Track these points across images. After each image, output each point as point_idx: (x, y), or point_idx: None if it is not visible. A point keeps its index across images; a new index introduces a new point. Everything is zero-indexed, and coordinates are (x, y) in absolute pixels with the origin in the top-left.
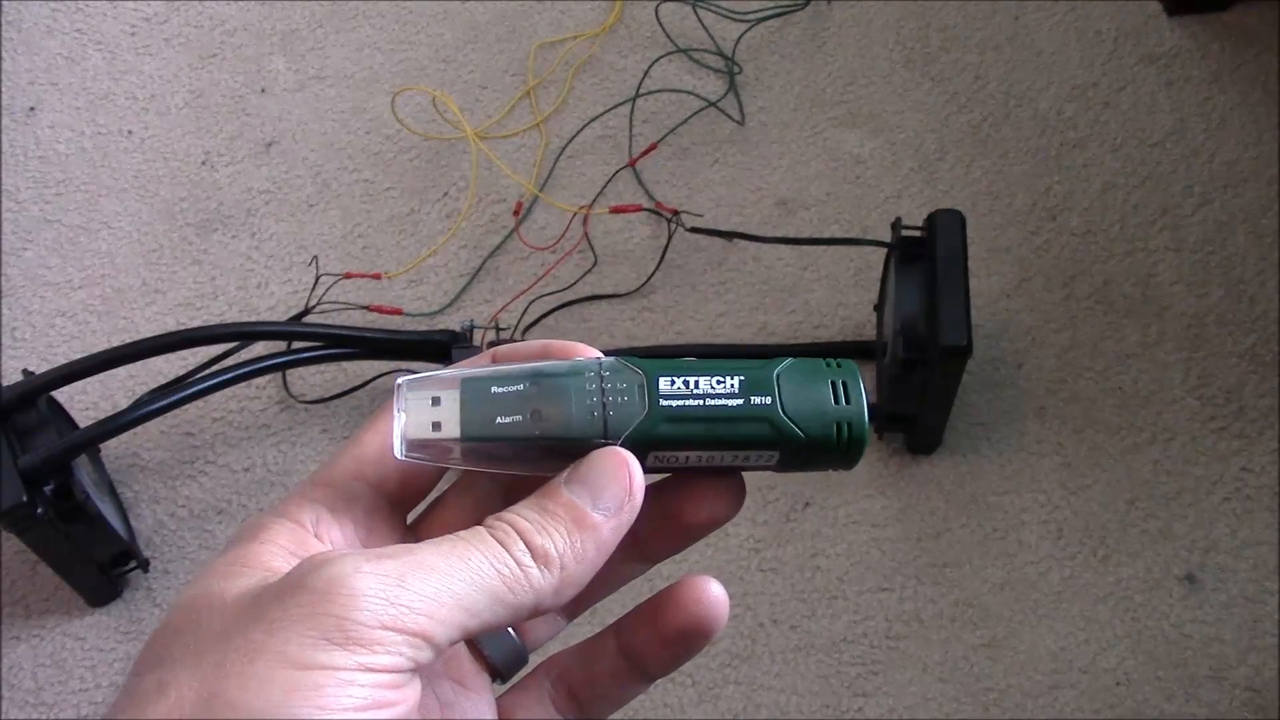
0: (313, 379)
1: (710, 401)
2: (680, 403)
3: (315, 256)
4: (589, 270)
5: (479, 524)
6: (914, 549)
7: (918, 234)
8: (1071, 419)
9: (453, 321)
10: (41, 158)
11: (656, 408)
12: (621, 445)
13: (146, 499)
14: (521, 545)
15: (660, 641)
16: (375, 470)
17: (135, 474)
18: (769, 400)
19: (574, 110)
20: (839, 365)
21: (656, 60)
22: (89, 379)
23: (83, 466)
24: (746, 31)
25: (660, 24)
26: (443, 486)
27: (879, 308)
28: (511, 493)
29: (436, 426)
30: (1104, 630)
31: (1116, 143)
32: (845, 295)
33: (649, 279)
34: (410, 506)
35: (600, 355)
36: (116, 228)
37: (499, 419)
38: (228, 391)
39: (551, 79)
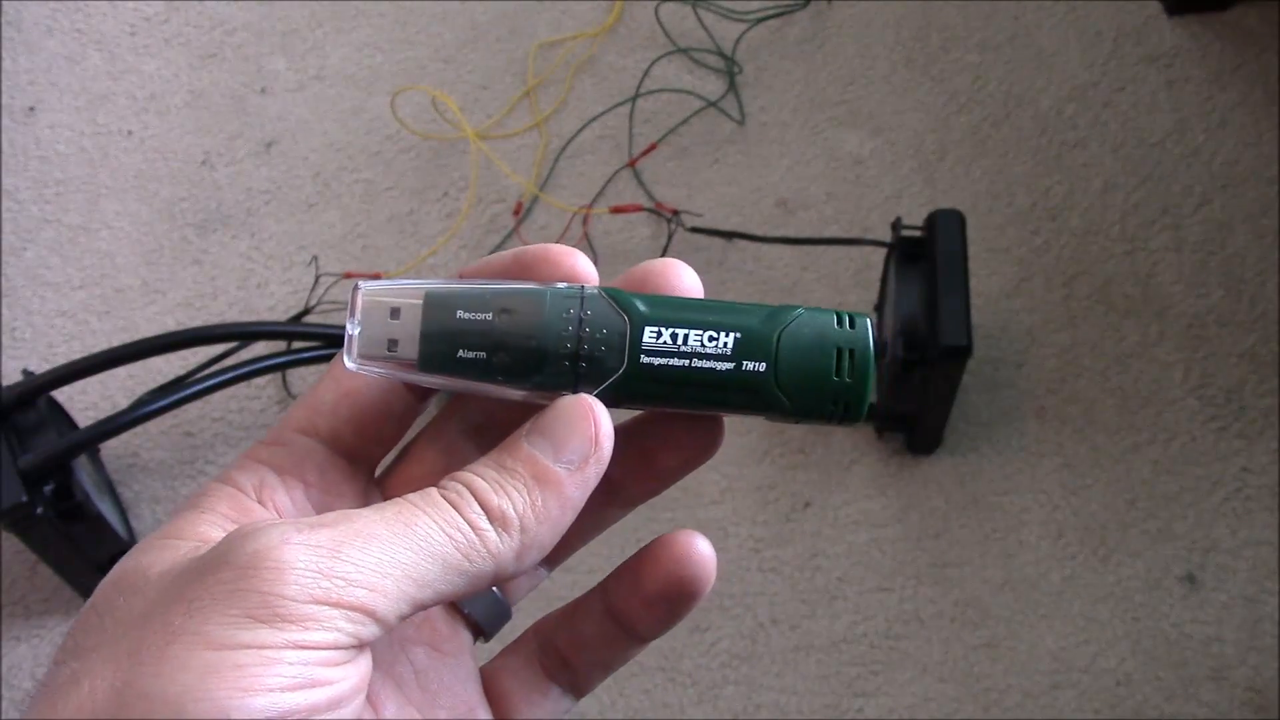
0: (313, 379)
1: (697, 363)
2: (663, 361)
3: (315, 256)
4: None
5: (441, 478)
6: (914, 549)
7: (918, 234)
8: (1071, 419)
9: None
10: (41, 158)
11: (636, 365)
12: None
13: (146, 499)
14: (476, 507)
15: (644, 602)
16: (328, 422)
17: (135, 474)
18: (762, 368)
19: (574, 110)
20: (852, 324)
21: (656, 60)
22: (89, 379)
23: (83, 466)
24: (746, 31)
25: (660, 24)
26: (410, 436)
27: (879, 308)
28: (485, 436)
29: (392, 345)
30: (1104, 630)
31: (1116, 143)
32: (845, 295)
33: None
34: (374, 460)
35: (583, 269)
36: (116, 228)
37: (460, 352)
38: (228, 391)
39: (551, 79)
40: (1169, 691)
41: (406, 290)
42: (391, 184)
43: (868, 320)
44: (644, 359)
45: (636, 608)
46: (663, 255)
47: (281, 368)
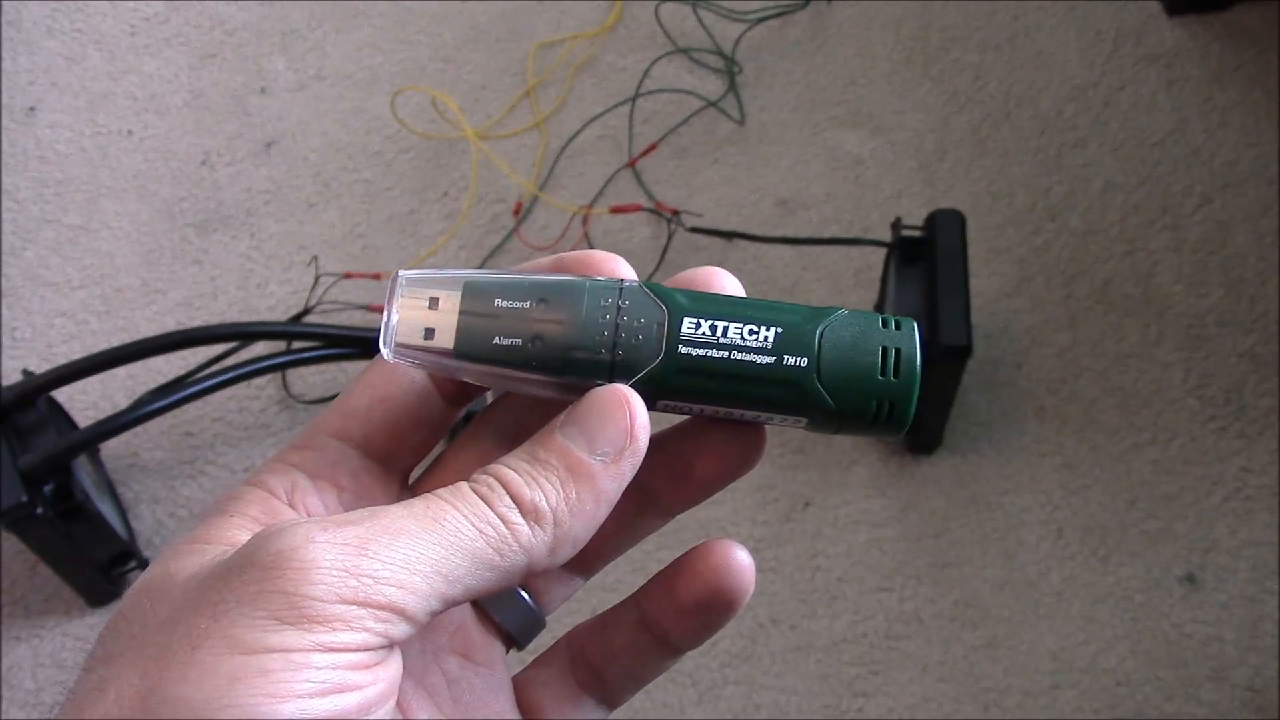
0: (313, 379)
1: (736, 355)
2: (701, 352)
3: (315, 256)
4: None
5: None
6: (914, 549)
7: (918, 234)
8: (1071, 419)
9: None
10: (41, 158)
11: (673, 355)
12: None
13: (146, 499)
14: (508, 500)
15: (679, 612)
16: (362, 427)
17: (135, 474)
18: (804, 362)
19: (574, 110)
20: (898, 326)
21: (656, 60)
22: (89, 379)
23: (83, 466)
24: (746, 31)
25: (660, 24)
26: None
27: (879, 308)
28: (520, 444)
29: (429, 333)
30: (1104, 630)
31: (1116, 143)
32: (845, 295)
33: (649, 279)
34: (408, 466)
35: (624, 272)
36: (116, 228)
37: (497, 339)
38: (228, 391)
39: (551, 79)
40: (1169, 691)
41: (445, 280)
42: (391, 184)
43: (914, 323)
44: (682, 349)
45: (671, 618)
46: (662, 255)
47: (281, 368)
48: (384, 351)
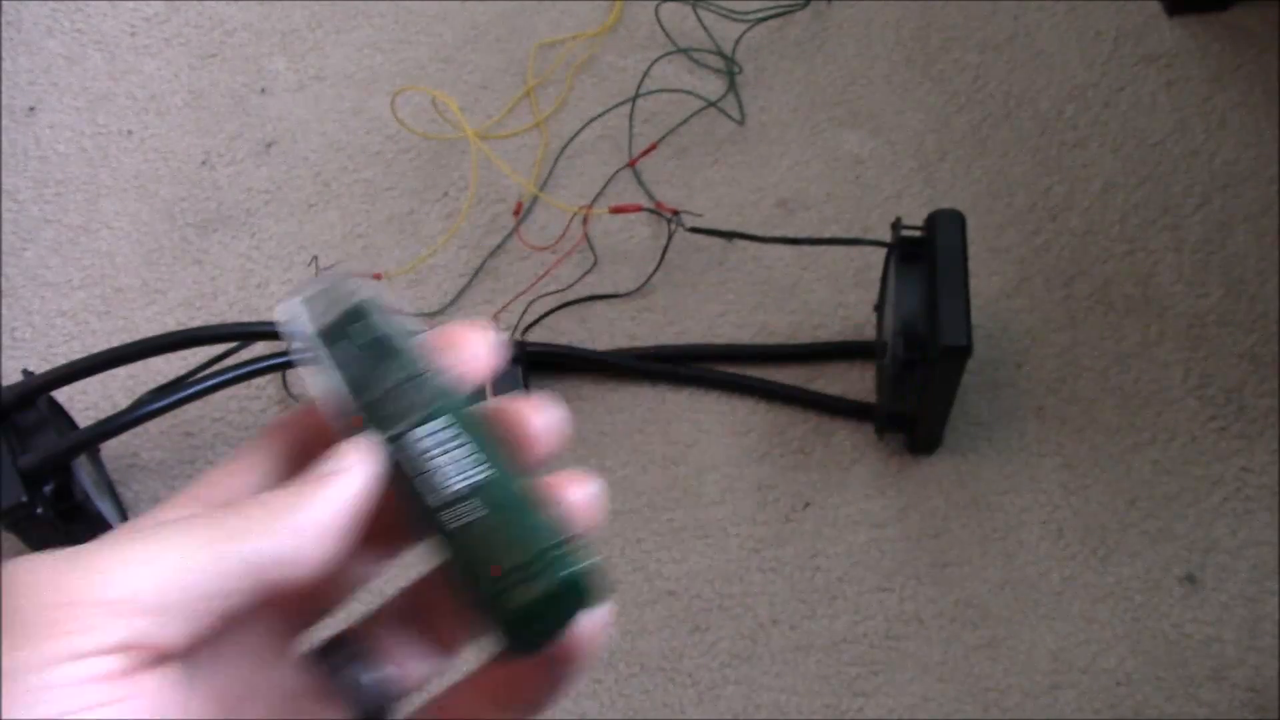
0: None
1: (434, 461)
2: (398, 450)
3: (315, 256)
4: (589, 270)
5: None
6: (914, 549)
7: (918, 234)
8: (1071, 419)
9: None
10: (41, 158)
11: (396, 435)
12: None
13: (146, 499)
14: (234, 499)
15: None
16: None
17: (135, 474)
18: (478, 514)
19: (574, 110)
20: (575, 555)
21: (656, 60)
22: (89, 379)
23: (83, 466)
24: (746, 31)
25: (660, 24)
26: None
27: (879, 308)
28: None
29: (306, 316)
30: (1104, 630)
31: (1116, 143)
32: (845, 295)
33: (649, 279)
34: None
35: (480, 353)
36: (116, 228)
37: (347, 338)
38: (228, 391)
39: (551, 79)
40: (1169, 691)
41: (357, 285)
42: (391, 184)
43: (598, 567)
44: (403, 436)
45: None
46: (662, 255)
47: (281, 368)
48: (278, 314)
